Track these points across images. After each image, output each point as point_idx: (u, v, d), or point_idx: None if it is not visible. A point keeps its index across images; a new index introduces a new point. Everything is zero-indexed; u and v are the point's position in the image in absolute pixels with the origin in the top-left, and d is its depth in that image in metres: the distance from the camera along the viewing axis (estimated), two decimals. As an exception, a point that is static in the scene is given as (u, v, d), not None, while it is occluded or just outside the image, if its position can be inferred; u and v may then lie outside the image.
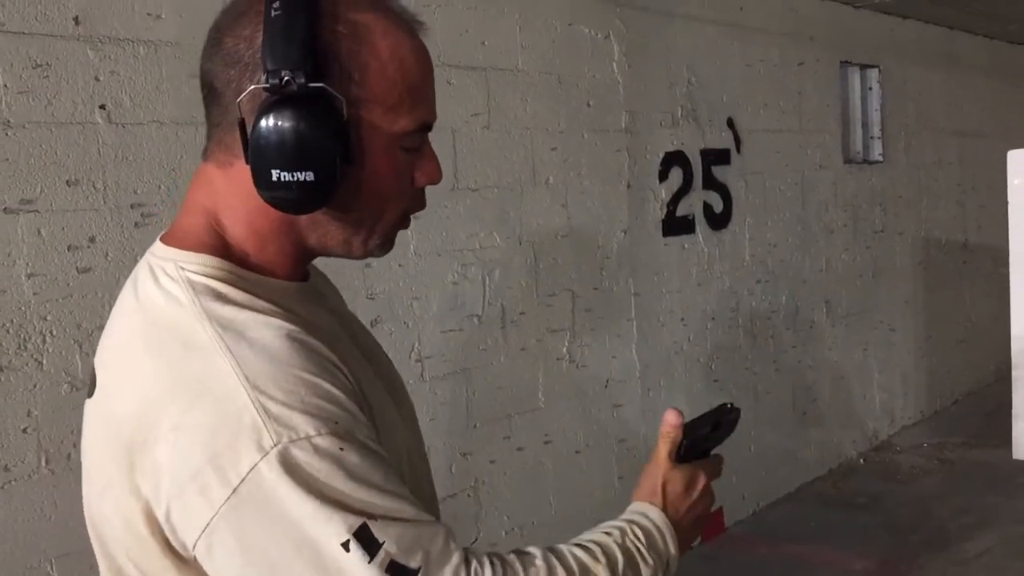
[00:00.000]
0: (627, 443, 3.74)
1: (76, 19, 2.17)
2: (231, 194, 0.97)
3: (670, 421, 1.09)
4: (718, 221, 4.27)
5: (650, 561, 1.01)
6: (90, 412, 0.98)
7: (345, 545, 0.84)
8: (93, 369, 1.00)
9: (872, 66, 5.37)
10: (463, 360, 3.13)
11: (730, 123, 4.33)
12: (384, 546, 0.85)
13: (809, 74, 4.86)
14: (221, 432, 0.84)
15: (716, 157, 4.23)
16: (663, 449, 1.09)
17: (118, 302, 0.99)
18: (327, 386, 0.88)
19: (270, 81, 0.89)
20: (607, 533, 1.01)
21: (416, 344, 2.98)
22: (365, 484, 0.86)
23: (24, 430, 2.09)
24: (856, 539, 4.11)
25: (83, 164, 2.19)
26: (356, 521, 0.84)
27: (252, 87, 0.91)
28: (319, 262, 1.08)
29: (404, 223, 1.03)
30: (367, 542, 0.84)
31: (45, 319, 2.12)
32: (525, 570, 0.92)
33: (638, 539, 1.01)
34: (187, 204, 1.01)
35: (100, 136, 2.22)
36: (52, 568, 2.13)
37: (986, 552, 3.88)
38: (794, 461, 4.77)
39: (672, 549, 1.04)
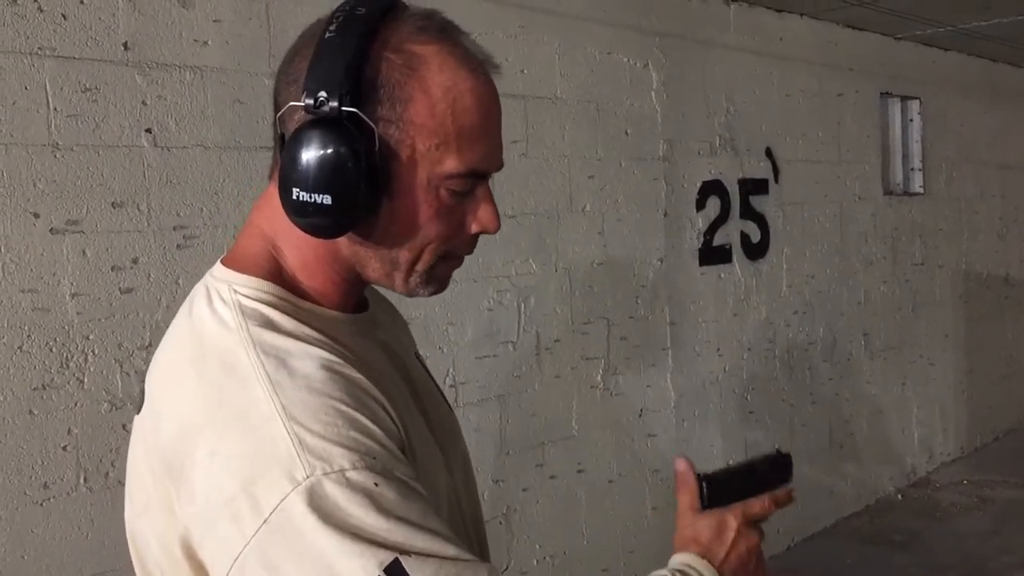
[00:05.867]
0: (661, 473, 3.71)
1: (125, 45, 2.22)
2: (282, 216, 0.95)
3: (677, 469, 1.09)
4: (755, 251, 4.25)
5: None
6: (137, 428, 0.98)
7: None
8: (143, 384, 1.00)
9: (913, 97, 5.34)
10: (497, 387, 3.13)
11: (768, 153, 4.31)
12: None
13: (848, 105, 4.84)
14: (255, 461, 0.83)
15: (754, 187, 4.22)
16: (682, 501, 1.08)
17: (174, 320, 1.00)
18: (365, 421, 0.87)
19: (306, 100, 0.89)
20: None
21: (451, 370, 2.99)
22: (400, 520, 0.83)
23: (64, 448, 2.11)
24: (894, 577, 4.03)
25: (128, 186, 2.22)
26: (388, 556, 0.80)
27: (290, 104, 0.92)
28: (390, 294, 1.06)
29: (452, 263, 1.01)
30: None
31: (87, 338, 2.15)
32: None
33: None
34: (248, 225, 1.01)
35: (146, 159, 2.26)
36: (87, 586, 2.15)
37: (1028, 593, 3.80)
38: (830, 496, 4.70)
39: None
